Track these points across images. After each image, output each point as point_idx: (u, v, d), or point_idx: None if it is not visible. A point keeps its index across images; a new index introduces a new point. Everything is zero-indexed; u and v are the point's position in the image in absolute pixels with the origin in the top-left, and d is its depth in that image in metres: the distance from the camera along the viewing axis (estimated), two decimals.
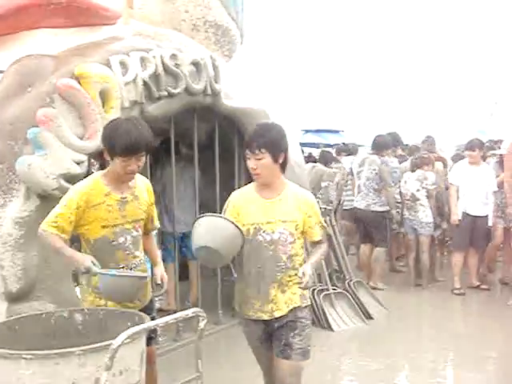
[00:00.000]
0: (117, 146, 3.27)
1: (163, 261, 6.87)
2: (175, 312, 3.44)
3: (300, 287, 3.28)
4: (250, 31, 7.57)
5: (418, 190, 8.16)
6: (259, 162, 3.33)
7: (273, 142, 3.32)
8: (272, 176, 3.40)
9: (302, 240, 3.41)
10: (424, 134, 10.71)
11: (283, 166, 3.44)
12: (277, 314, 3.36)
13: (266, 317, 3.38)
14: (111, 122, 3.50)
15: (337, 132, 18.77)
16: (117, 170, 3.35)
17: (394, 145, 9.04)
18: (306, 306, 3.44)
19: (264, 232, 3.32)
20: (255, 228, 3.33)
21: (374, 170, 7.98)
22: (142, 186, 3.59)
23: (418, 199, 8.14)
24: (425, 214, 8.12)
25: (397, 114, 19.03)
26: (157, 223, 3.84)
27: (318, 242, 3.48)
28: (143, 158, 3.38)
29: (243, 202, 3.46)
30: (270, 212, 3.36)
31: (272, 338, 3.45)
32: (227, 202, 3.56)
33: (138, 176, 3.52)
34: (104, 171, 3.47)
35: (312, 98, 25.02)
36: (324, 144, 15.17)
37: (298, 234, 3.37)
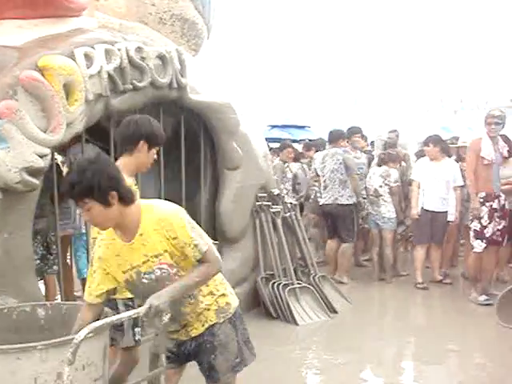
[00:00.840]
0: (159, 137, 3.80)
1: None
2: None
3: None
4: (217, 25, 7.54)
5: (380, 186, 8.26)
6: (89, 212, 2.76)
7: (91, 187, 2.68)
8: (114, 219, 2.82)
9: (188, 260, 2.93)
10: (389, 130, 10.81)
11: (124, 199, 2.80)
12: (193, 334, 3.11)
13: (183, 337, 3.14)
14: (133, 118, 3.82)
15: (303, 128, 18.83)
16: (149, 160, 3.81)
17: (352, 133, 9.15)
18: (224, 321, 3.11)
19: (145, 273, 2.91)
20: (136, 272, 2.92)
21: (338, 160, 8.05)
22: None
23: (381, 195, 8.24)
24: (387, 210, 8.22)
25: (362, 109, 19.17)
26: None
27: (201, 262, 2.93)
28: None
29: (110, 254, 2.95)
30: (140, 251, 2.88)
31: (191, 359, 3.23)
32: (94, 258, 3.02)
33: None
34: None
35: (279, 94, 25.07)
36: (291, 140, 15.19)
37: (178, 260, 2.91)
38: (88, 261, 5.67)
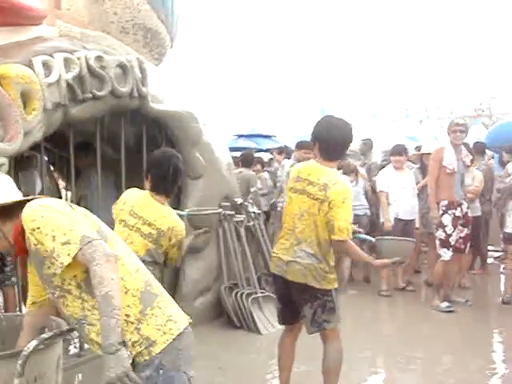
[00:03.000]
0: None
1: None
2: None
3: None
4: (180, 34, 7.54)
5: None
6: None
7: None
8: None
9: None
10: (358, 139, 10.90)
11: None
12: None
13: None
14: None
15: (269, 137, 18.86)
16: None
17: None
18: None
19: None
20: None
21: None
22: None
23: None
24: None
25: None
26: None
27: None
28: None
29: None
30: None
31: None
32: None
33: None
34: None
35: (245, 103, 25.15)
36: (256, 149, 15.24)
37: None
38: None
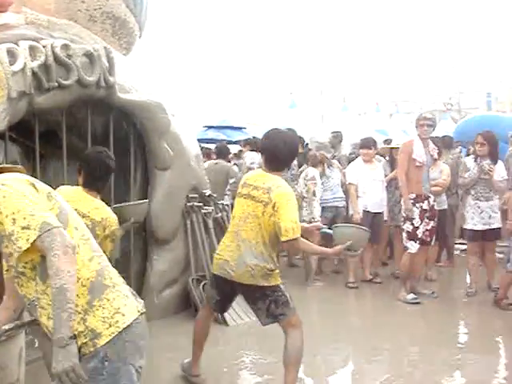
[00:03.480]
0: None
1: None
2: None
3: None
4: (150, 24, 7.48)
5: (304, 188, 8.32)
6: None
7: None
8: None
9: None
10: (325, 132, 10.96)
11: None
12: None
13: None
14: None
15: (239, 129, 18.82)
16: None
17: None
18: None
19: None
20: None
21: None
22: None
23: (304, 197, 8.29)
24: (307, 212, 8.26)
25: (298, 111, 19.30)
26: None
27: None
28: None
29: None
30: None
31: None
32: None
33: None
34: None
35: (215, 94, 25.07)
36: (226, 140, 15.19)
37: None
38: None
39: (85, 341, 2.28)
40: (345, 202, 8.65)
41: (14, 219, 2.22)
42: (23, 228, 2.20)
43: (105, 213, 4.29)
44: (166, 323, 6.13)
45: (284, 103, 21.23)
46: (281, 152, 4.30)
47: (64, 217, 2.40)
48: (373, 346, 5.85)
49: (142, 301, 2.54)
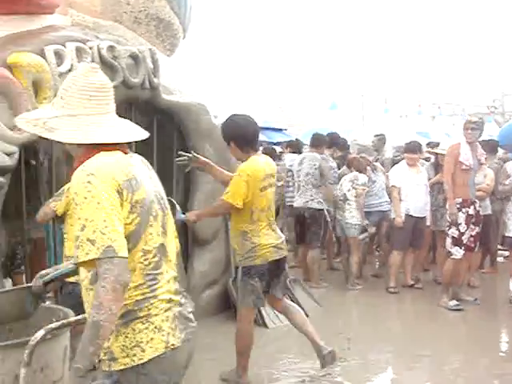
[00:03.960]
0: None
1: None
2: None
3: None
4: (193, 25, 7.52)
5: (348, 190, 8.25)
6: None
7: None
8: None
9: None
10: (369, 134, 10.87)
11: None
12: None
13: None
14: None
15: (280, 130, 18.81)
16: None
17: (333, 144, 9.17)
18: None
19: None
20: None
21: (315, 165, 8.04)
22: None
23: (348, 199, 8.23)
24: (351, 215, 8.20)
25: (339, 113, 19.20)
26: None
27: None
28: None
29: None
30: None
31: None
32: None
33: None
34: None
35: (257, 96, 25.07)
36: (268, 142, 15.19)
37: None
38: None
39: (103, 358, 2.24)
40: (389, 206, 8.57)
41: (84, 226, 2.11)
42: (88, 240, 2.09)
43: None
44: (206, 324, 6.12)
45: (324, 105, 21.13)
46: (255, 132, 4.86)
47: (137, 234, 2.24)
48: (413, 352, 5.77)
49: (190, 329, 2.39)
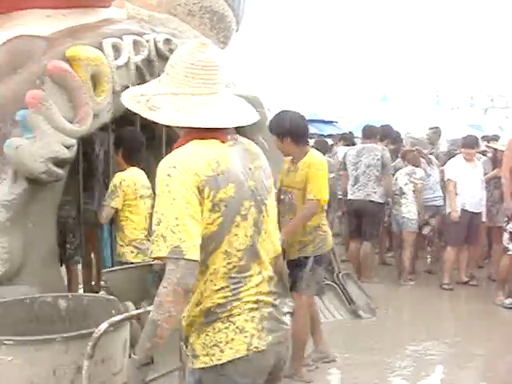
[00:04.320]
0: None
1: None
2: None
3: None
4: (246, 17, 7.49)
5: (406, 184, 8.13)
6: None
7: None
8: None
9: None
10: (421, 127, 10.69)
11: None
12: None
13: None
14: None
15: (330, 123, 18.68)
16: None
17: (385, 137, 9.03)
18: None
19: None
20: None
21: (376, 155, 7.92)
22: None
23: (405, 193, 8.11)
24: (407, 210, 8.08)
25: (390, 105, 18.97)
26: None
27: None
28: None
29: None
30: None
31: None
32: None
33: None
34: None
35: (306, 88, 24.95)
36: (318, 134, 15.11)
37: None
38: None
39: (188, 353, 2.23)
40: (443, 201, 8.42)
41: (159, 220, 2.05)
42: (161, 236, 2.03)
43: None
44: None
45: (375, 97, 20.90)
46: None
47: (220, 235, 2.13)
48: (466, 351, 5.69)
49: (281, 332, 2.24)
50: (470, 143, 8.13)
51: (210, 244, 2.10)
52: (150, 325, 2.06)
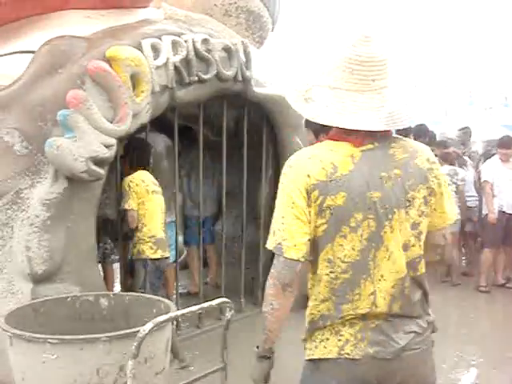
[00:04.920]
0: None
1: (187, 243, 6.99)
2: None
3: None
4: (281, 17, 7.47)
5: (448, 185, 8.02)
6: None
7: None
8: None
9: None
10: (454, 127, 10.55)
11: None
12: None
13: None
14: None
15: None
16: None
17: (418, 137, 8.90)
18: None
19: None
20: None
21: None
22: None
23: None
24: None
25: (425, 105, 18.79)
26: None
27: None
28: None
29: None
30: None
31: None
32: None
33: None
34: None
35: None
36: None
37: None
38: None
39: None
40: (476, 202, 8.30)
41: (274, 215, 2.07)
42: (272, 230, 2.06)
43: None
44: (292, 317, 6.12)
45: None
46: None
47: (323, 241, 2.04)
48: (503, 354, 5.58)
49: (390, 349, 2.06)
50: (505, 143, 7.99)
51: (316, 247, 2.06)
52: (262, 317, 2.11)
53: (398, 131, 7.96)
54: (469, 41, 31.79)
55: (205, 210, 6.12)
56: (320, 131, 2.79)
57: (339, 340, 2.07)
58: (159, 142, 6.06)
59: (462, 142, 9.96)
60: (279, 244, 2.01)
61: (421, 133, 8.96)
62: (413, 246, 2.09)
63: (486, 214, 7.79)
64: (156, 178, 5.22)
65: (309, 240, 2.02)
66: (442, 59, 30.66)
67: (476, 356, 5.66)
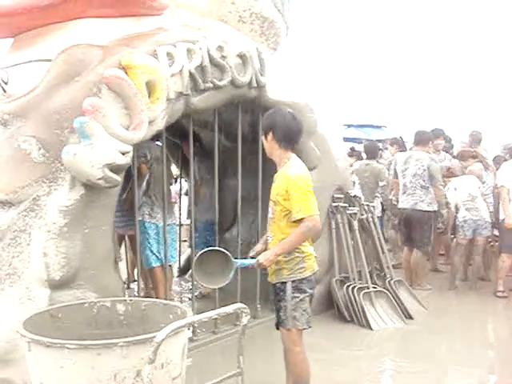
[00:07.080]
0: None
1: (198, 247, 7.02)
2: None
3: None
4: (295, 24, 7.49)
5: (478, 188, 8.04)
6: None
7: None
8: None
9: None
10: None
11: None
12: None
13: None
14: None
15: (379, 127, 18.50)
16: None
17: (436, 137, 8.85)
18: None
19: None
20: None
21: (422, 166, 7.79)
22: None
23: (476, 196, 7.98)
24: (487, 214, 7.98)
25: (441, 109, 18.71)
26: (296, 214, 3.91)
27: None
28: None
29: None
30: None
31: None
32: None
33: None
34: None
35: (355, 92, 24.77)
36: (366, 139, 14.98)
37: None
38: (152, 252, 5.87)
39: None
40: (492, 207, 8.26)
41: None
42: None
43: None
44: None
45: (425, 101, 20.62)
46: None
47: None
48: None
49: None
50: None
51: None
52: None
53: (415, 137, 7.84)
54: (488, 49, 31.64)
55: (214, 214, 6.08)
56: None
57: None
58: (155, 149, 6.12)
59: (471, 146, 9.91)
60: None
61: (437, 137, 8.96)
62: None
63: (503, 220, 7.73)
64: (154, 183, 5.31)
65: None
66: (457, 65, 30.51)
67: (494, 361, 5.64)
